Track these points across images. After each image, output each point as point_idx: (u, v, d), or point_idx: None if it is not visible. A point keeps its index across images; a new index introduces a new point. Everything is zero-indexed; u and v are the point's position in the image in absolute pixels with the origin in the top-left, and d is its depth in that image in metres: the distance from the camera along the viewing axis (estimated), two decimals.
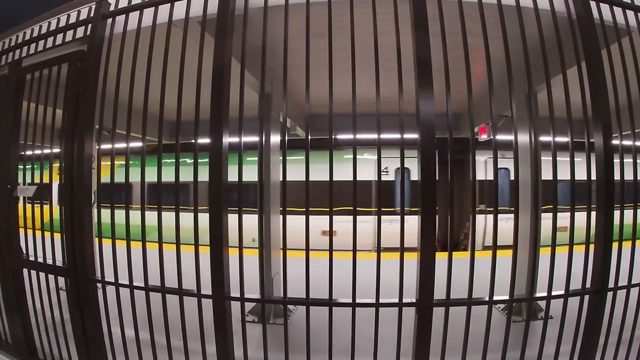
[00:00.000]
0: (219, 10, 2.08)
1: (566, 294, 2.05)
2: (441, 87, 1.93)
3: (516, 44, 2.03)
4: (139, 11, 2.24)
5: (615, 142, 2.08)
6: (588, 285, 2.08)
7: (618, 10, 2.20)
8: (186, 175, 2.17)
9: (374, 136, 1.97)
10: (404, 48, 1.93)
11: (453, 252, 1.99)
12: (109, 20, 2.36)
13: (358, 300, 1.98)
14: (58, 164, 2.40)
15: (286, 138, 2.07)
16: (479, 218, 7.85)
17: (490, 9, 1.99)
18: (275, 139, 3.48)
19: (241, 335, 2.09)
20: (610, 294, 2.10)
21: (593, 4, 2.13)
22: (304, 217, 1.96)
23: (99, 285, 2.31)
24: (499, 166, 2.04)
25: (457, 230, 9.21)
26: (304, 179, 1.95)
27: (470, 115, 1.99)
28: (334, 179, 1.95)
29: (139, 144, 2.25)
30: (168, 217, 2.03)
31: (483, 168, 8.21)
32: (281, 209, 3.23)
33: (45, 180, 2.64)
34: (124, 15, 2.30)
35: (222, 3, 2.08)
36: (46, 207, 2.58)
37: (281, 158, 2.15)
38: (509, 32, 2.00)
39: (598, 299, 2.08)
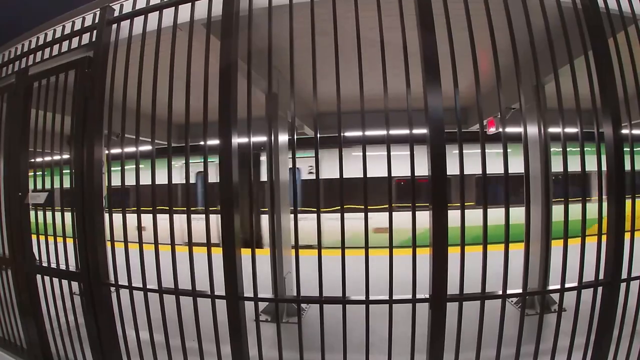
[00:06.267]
0: (223, 12, 2.09)
1: (579, 286, 2.04)
2: (448, 82, 1.92)
3: (522, 36, 2.01)
4: (143, 16, 2.25)
5: (625, 131, 2.06)
6: (601, 277, 2.08)
7: None
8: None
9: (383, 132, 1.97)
10: (410, 43, 1.92)
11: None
12: (114, 26, 2.37)
13: (371, 297, 1.99)
14: (68, 170, 2.42)
15: (295, 137, 2.07)
16: None
17: (495, 1, 1.98)
18: (283, 138, 3.49)
19: (255, 335, 2.11)
20: (623, 285, 2.09)
21: None
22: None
23: (113, 289, 2.33)
24: None
25: None
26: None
27: (478, 108, 1.98)
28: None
29: (148, 147, 2.26)
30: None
31: None
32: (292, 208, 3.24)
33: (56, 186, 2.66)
34: (129, 20, 2.31)
35: (226, 5, 2.09)
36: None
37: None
38: (515, 24, 1.99)
39: (611, 290, 2.07)
